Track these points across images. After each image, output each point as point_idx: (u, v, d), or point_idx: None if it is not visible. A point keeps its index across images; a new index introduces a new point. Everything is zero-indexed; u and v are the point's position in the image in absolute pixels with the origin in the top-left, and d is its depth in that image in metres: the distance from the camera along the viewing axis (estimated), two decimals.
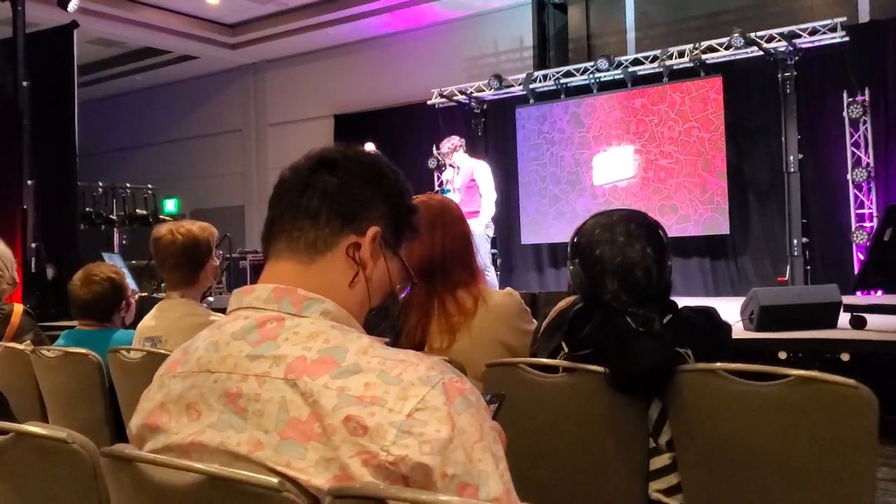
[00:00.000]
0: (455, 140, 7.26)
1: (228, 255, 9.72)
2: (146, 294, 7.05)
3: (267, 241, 1.13)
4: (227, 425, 0.98)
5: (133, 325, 2.94)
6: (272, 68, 12.60)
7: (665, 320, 1.71)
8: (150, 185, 11.57)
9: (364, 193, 1.12)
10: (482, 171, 7.07)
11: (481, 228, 6.83)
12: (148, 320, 2.73)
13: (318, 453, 0.92)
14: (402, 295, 1.23)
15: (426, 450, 0.89)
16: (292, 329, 1.01)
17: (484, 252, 7.10)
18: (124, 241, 10.56)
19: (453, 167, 7.25)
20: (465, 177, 7.10)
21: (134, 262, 9.05)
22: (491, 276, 7.31)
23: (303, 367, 0.96)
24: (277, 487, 0.90)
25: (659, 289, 1.75)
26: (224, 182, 12.94)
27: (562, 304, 1.95)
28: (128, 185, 11.40)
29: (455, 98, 9.80)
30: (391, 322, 1.20)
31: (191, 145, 13.43)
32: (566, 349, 1.80)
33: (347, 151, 1.15)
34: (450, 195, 7.03)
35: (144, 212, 11.11)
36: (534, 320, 2.20)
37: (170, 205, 12.04)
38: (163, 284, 3.16)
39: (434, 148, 9.99)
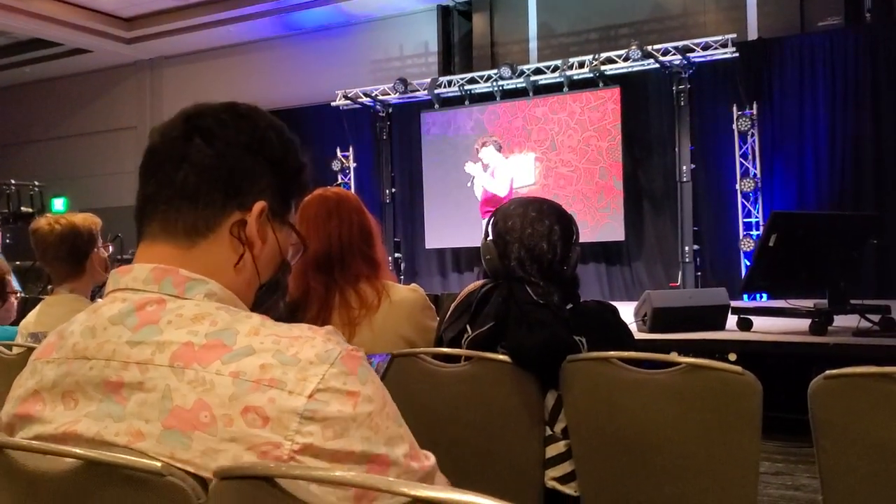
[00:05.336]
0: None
1: (120, 256, 9.34)
2: (30, 295, 6.69)
3: (140, 221, 1.04)
4: (105, 414, 0.91)
5: (15, 324, 2.79)
6: (170, 65, 12.22)
7: (567, 307, 1.75)
8: (36, 182, 11.00)
9: (245, 163, 1.02)
10: None
11: None
12: (33, 316, 2.60)
13: (204, 444, 0.86)
14: (294, 260, 1.18)
15: (329, 434, 0.86)
16: (175, 311, 0.95)
17: None
18: (8, 240, 10.01)
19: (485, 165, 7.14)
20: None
21: (18, 262, 8.57)
22: None
23: (191, 354, 0.90)
24: (161, 471, 0.84)
25: (562, 270, 1.80)
26: (117, 181, 12.42)
27: (471, 286, 1.96)
28: (12, 181, 10.79)
29: (360, 100, 9.74)
30: (283, 293, 1.13)
31: (82, 142, 12.88)
32: (470, 331, 1.81)
33: (222, 114, 1.04)
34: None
35: (30, 209, 10.55)
36: (437, 317, 2.19)
37: (58, 203, 11.44)
38: (49, 287, 3.03)
39: (338, 150, 9.93)
